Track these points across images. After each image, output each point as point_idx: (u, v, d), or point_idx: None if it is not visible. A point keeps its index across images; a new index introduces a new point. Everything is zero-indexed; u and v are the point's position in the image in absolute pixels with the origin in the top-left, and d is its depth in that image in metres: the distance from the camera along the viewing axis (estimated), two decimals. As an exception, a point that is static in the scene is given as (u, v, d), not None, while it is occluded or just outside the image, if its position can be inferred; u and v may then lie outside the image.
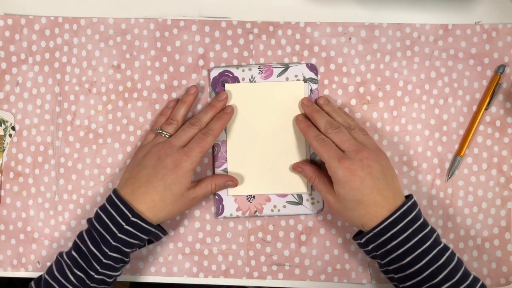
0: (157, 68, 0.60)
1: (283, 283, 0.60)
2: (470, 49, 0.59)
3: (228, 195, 0.59)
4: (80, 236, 0.53)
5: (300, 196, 0.59)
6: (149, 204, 0.52)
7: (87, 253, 0.51)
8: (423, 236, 0.49)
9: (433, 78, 0.59)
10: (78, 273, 0.51)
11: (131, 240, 0.52)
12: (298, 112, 0.58)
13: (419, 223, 0.50)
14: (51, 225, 0.61)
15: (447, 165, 0.59)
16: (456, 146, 0.59)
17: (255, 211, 0.59)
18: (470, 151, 0.59)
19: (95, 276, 0.51)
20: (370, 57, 0.59)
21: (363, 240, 0.51)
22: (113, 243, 0.51)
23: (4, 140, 0.61)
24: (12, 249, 0.61)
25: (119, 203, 0.52)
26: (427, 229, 0.50)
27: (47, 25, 0.61)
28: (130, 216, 0.51)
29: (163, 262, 0.60)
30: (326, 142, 0.53)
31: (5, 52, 0.61)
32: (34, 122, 0.61)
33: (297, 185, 0.58)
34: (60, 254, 0.54)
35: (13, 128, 0.61)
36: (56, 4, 0.61)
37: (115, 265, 0.52)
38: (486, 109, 0.59)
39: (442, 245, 0.50)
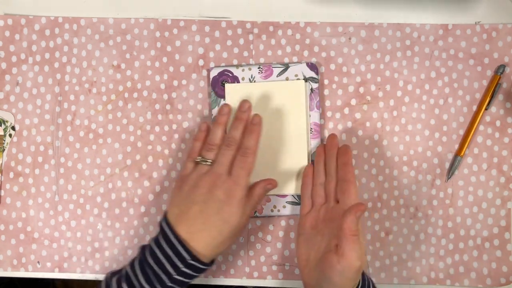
0: (157, 68, 0.60)
1: (283, 283, 0.60)
2: (470, 49, 0.59)
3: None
4: (132, 268, 0.50)
5: (300, 196, 0.59)
6: (207, 241, 0.50)
7: None
8: None
9: (433, 78, 0.59)
10: None
11: (187, 281, 0.50)
12: (298, 112, 0.58)
13: None
14: (51, 225, 0.61)
15: (447, 165, 0.59)
16: (456, 146, 0.59)
17: (255, 212, 0.59)
18: (470, 151, 0.59)
19: None
20: (370, 57, 0.59)
21: None
22: (169, 283, 0.49)
23: (4, 140, 0.61)
24: (12, 249, 0.61)
25: (176, 244, 0.49)
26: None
27: (47, 25, 0.61)
28: (189, 258, 0.49)
29: (163, 262, 0.60)
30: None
31: (5, 52, 0.61)
32: (34, 122, 0.61)
33: (298, 185, 0.58)
34: (108, 279, 0.50)
35: (13, 128, 0.61)
36: (56, 4, 0.61)
37: None
38: (486, 109, 0.59)
39: None
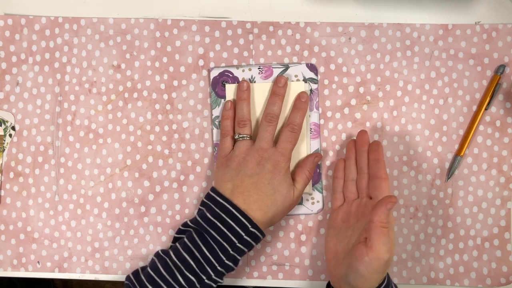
0: (157, 68, 0.60)
1: (283, 283, 0.60)
2: (470, 49, 0.59)
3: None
4: (191, 239, 0.52)
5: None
6: (263, 209, 0.53)
7: (201, 259, 0.51)
8: None
9: (433, 78, 0.59)
10: (190, 276, 0.51)
11: (246, 250, 0.52)
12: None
13: None
14: (51, 225, 0.61)
15: (447, 165, 0.59)
16: (456, 146, 0.59)
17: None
18: (470, 151, 0.59)
19: (206, 281, 0.51)
20: (370, 57, 0.59)
21: None
22: (231, 252, 0.51)
23: (4, 140, 0.61)
24: (12, 249, 0.61)
25: (237, 214, 0.52)
26: None
27: (47, 25, 0.61)
28: (250, 226, 0.51)
29: (163, 262, 0.60)
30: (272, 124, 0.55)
31: (5, 52, 0.61)
32: (34, 122, 0.61)
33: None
34: (165, 252, 0.53)
35: (13, 128, 0.61)
36: (56, 4, 0.61)
37: (226, 272, 0.52)
38: (486, 109, 0.59)
39: None
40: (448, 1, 0.60)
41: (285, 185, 0.54)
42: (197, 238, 0.52)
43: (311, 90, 0.59)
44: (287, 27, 0.60)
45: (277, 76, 0.58)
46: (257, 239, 0.53)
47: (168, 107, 0.60)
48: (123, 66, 0.60)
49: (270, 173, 0.53)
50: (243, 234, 0.51)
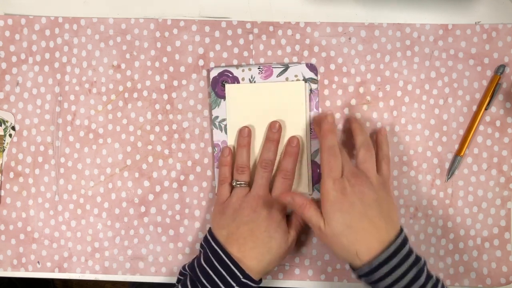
0: (157, 68, 0.60)
1: (283, 283, 0.60)
2: (470, 49, 0.59)
3: None
4: (184, 285, 0.52)
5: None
6: (258, 258, 0.52)
7: None
8: (418, 271, 0.48)
9: (433, 78, 0.59)
10: None
11: None
12: (298, 112, 0.58)
13: (412, 256, 0.49)
14: (51, 225, 0.61)
15: (447, 165, 0.59)
16: (456, 146, 0.59)
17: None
18: (470, 151, 0.59)
19: None
20: (370, 57, 0.59)
21: (358, 274, 0.49)
22: None
23: (4, 140, 0.61)
24: (12, 249, 0.61)
25: (229, 263, 0.51)
26: (420, 263, 0.49)
27: (47, 25, 0.61)
28: (241, 277, 0.51)
29: (163, 262, 0.60)
30: (336, 159, 0.52)
31: (5, 52, 0.61)
32: (34, 122, 0.61)
33: (297, 185, 0.58)
34: None
35: (13, 128, 0.61)
36: (56, 4, 0.61)
37: None
38: (486, 109, 0.59)
39: (434, 278, 0.49)
40: (448, 1, 0.60)
41: (281, 232, 0.53)
42: (188, 284, 0.52)
43: (311, 90, 0.59)
44: (287, 27, 0.60)
45: (271, 122, 0.57)
46: None
47: (168, 107, 0.60)
48: (123, 66, 0.60)
49: (266, 220, 0.53)
50: (234, 284, 0.50)
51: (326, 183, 0.51)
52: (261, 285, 0.59)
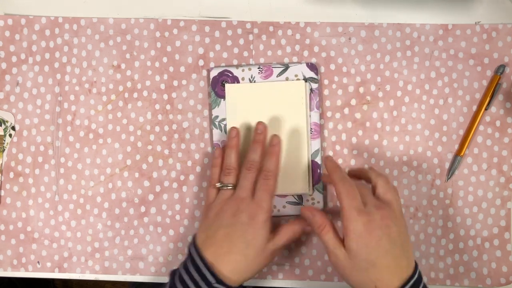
0: (157, 68, 0.60)
1: (283, 283, 0.60)
2: (470, 49, 0.59)
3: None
4: None
5: (300, 197, 0.59)
6: (233, 264, 0.50)
7: None
8: None
9: (433, 78, 0.59)
10: None
11: None
12: (298, 112, 0.58)
13: None
14: (51, 225, 0.61)
15: (447, 165, 0.59)
16: (456, 146, 0.59)
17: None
18: (470, 151, 0.59)
19: None
20: (370, 57, 0.59)
21: None
22: None
23: (4, 140, 0.61)
24: (12, 249, 0.61)
25: (202, 267, 0.49)
26: None
27: (47, 25, 0.61)
28: (214, 282, 0.49)
29: (163, 262, 0.60)
30: (352, 188, 0.49)
31: (5, 52, 0.61)
32: (34, 122, 0.61)
33: (298, 185, 0.58)
34: None
35: (13, 128, 0.61)
36: (56, 4, 0.61)
37: None
38: (486, 109, 0.59)
39: None
40: (448, 1, 0.60)
41: (260, 239, 0.51)
42: None
43: (311, 89, 0.59)
44: (287, 27, 0.60)
45: (257, 123, 0.57)
46: None
47: (168, 107, 0.60)
48: (123, 66, 0.60)
49: (244, 225, 0.50)
50: None
51: (350, 215, 0.47)
52: (261, 285, 0.59)
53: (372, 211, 0.48)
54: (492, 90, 0.58)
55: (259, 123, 0.57)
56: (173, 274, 0.52)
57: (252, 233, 0.51)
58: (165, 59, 0.60)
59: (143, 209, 0.60)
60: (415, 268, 0.48)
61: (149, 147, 0.60)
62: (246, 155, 0.55)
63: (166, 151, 0.60)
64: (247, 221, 0.51)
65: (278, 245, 0.52)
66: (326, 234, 0.50)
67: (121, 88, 0.60)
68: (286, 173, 0.58)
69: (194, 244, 0.52)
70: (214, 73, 0.59)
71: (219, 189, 0.55)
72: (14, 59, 0.61)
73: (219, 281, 0.49)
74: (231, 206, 0.52)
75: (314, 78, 0.59)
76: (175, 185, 0.60)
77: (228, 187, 0.54)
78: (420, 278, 0.48)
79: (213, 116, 0.59)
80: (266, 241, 0.51)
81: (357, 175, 0.56)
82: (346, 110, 0.59)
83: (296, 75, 0.59)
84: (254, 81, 0.59)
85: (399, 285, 0.46)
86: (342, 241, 0.49)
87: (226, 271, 0.50)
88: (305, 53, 0.59)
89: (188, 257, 0.52)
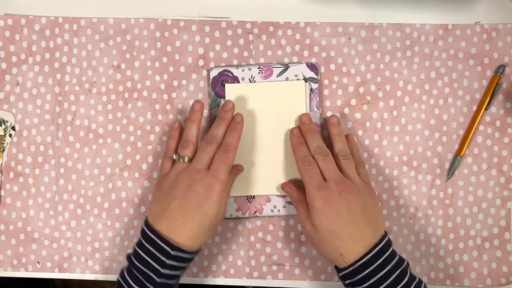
0: (157, 68, 0.60)
1: (283, 283, 0.60)
2: (470, 49, 0.59)
3: (230, 196, 0.58)
4: (122, 276, 0.51)
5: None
6: (188, 234, 0.50)
7: None
8: (401, 272, 0.49)
9: (433, 78, 0.59)
10: None
11: (175, 272, 0.51)
12: (298, 112, 0.58)
13: (396, 259, 0.49)
14: (51, 225, 0.61)
15: (447, 165, 0.59)
16: (456, 146, 0.59)
17: (255, 212, 0.59)
18: (470, 151, 0.59)
19: None
20: (370, 57, 0.59)
21: (341, 274, 0.50)
22: (158, 280, 0.50)
23: (4, 140, 0.61)
24: (12, 249, 0.61)
25: (156, 239, 0.50)
26: (404, 264, 0.50)
27: (47, 25, 0.61)
28: (171, 250, 0.49)
29: (163, 262, 0.60)
30: (312, 166, 0.53)
31: (5, 52, 0.61)
32: (34, 122, 0.61)
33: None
34: None
35: (13, 128, 0.61)
36: (56, 4, 0.61)
37: None
38: (486, 109, 0.59)
39: (417, 279, 0.50)
40: (448, 1, 0.60)
41: (216, 209, 0.51)
42: (126, 274, 0.51)
43: (311, 89, 0.59)
44: (287, 27, 0.60)
45: (225, 101, 0.57)
46: (186, 261, 0.51)
47: (168, 107, 0.60)
48: (123, 66, 0.60)
49: (199, 197, 0.51)
50: (165, 259, 0.49)
51: (311, 191, 0.51)
52: (261, 285, 0.59)
53: (331, 186, 0.51)
54: (492, 90, 0.58)
55: (228, 101, 0.57)
56: (129, 255, 0.52)
57: (208, 204, 0.51)
58: (165, 59, 0.60)
59: (143, 209, 0.60)
60: (383, 237, 0.50)
61: (149, 147, 0.60)
62: (210, 128, 0.55)
63: (166, 151, 0.60)
64: (203, 192, 0.51)
65: (224, 207, 0.53)
66: (300, 208, 0.54)
67: (121, 88, 0.60)
68: (286, 173, 0.58)
69: (146, 220, 0.52)
70: (214, 73, 0.59)
71: (174, 161, 0.55)
72: (14, 59, 0.61)
73: (176, 249, 0.50)
74: (186, 177, 0.52)
75: (314, 78, 0.59)
76: (175, 185, 0.60)
77: (184, 160, 0.54)
78: (387, 245, 0.50)
79: (213, 116, 0.59)
80: (221, 211, 0.52)
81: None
82: (346, 110, 0.59)
83: (296, 75, 0.59)
84: (254, 81, 0.59)
85: (363, 252, 0.49)
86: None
87: (181, 240, 0.50)
88: (305, 53, 0.59)
89: (141, 233, 0.52)
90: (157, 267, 0.49)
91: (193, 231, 0.51)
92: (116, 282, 0.52)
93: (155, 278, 0.50)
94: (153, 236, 0.50)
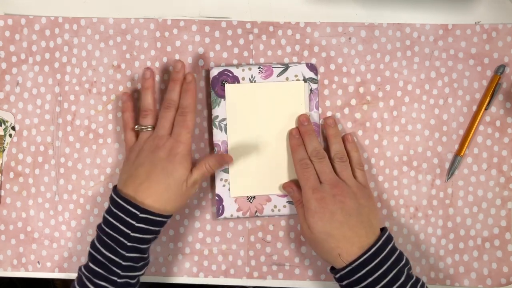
0: (157, 68, 0.60)
1: (283, 283, 0.60)
2: (470, 49, 0.59)
3: (230, 197, 0.58)
4: (92, 245, 0.53)
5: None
6: (155, 196, 0.52)
7: (104, 261, 0.51)
8: (398, 271, 0.49)
9: (433, 78, 0.59)
10: (100, 282, 0.50)
11: (146, 236, 0.52)
12: (298, 113, 0.58)
13: (393, 257, 0.50)
14: (51, 225, 0.61)
15: (447, 165, 0.59)
16: (456, 146, 0.59)
17: (256, 211, 0.59)
18: (470, 151, 0.59)
19: (118, 280, 0.51)
20: (370, 57, 0.59)
21: (338, 275, 0.51)
22: (129, 243, 0.51)
23: (4, 140, 0.61)
24: (12, 249, 0.61)
25: (124, 204, 0.51)
26: (401, 264, 0.50)
27: (47, 25, 0.61)
28: (139, 213, 0.51)
29: (163, 262, 0.60)
30: (309, 169, 0.54)
31: (5, 52, 0.61)
32: (34, 122, 0.61)
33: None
34: (80, 268, 0.53)
35: (13, 128, 0.61)
36: (56, 4, 0.61)
37: (135, 265, 0.52)
38: (486, 109, 0.59)
39: (414, 278, 0.50)
40: (448, 1, 0.60)
41: (181, 171, 0.53)
42: (96, 243, 0.52)
43: (311, 90, 0.59)
44: (287, 27, 0.60)
45: (175, 61, 0.58)
46: (156, 224, 0.52)
47: (168, 107, 0.60)
48: (123, 66, 0.60)
49: (163, 161, 0.52)
50: (134, 222, 0.50)
51: (306, 193, 0.53)
52: (261, 284, 0.59)
53: (326, 189, 0.53)
54: (492, 90, 0.58)
55: (177, 61, 0.57)
56: (99, 224, 0.53)
57: (172, 166, 0.53)
58: (165, 59, 0.60)
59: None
60: (380, 236, 0.51)
61: (149, 147, 0.60)
62: (166, 94, 0.56)
63: (166, 151, 0.60)
64: (166, 157, 0.53)
65: (195, 179, 0.54)
66: (299, 209, 0.55)
67: (121, 88, 0.60)
68: (286, 173, 0.58)
69: (114, 187, 0.54)
70: (214, 72, 0.59)
71: (137, 132, 0.56)
72: (14, 59, 0.61)
73: (144, 211, 0.51)
74: (150, 144, 0.54)
75: (314, 79, 0.59)
76: (175, 185, 0.60)
77: (148, 129, 0.56)
78: (385, 244, 0.50)
79: (213, 116, 0.59)
80: (186, 173, 0.53)
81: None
82: (346, 110, 0.59)
83: (296, 75, 0.59)
84: (254, 81, 0.59)
85: (359, 252, 0.50)
86: None
87: (148, 202, 0.52)
88: (305, 53, 0.59)
89: (110, 200, 0.53)
90: (127, 231, 0.50)
91: (160, 194, 0.52)
92: (88, 254, 0.52)
93: (126, 242, 0.50)
94: (120, 201, 0.51)
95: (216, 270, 0.60)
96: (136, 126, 0.56)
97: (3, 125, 0.61)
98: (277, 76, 0.59)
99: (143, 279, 0.60)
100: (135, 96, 0.60)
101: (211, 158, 0.55)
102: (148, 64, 0.60)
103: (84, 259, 0.60)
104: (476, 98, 0.59)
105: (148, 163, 0.53)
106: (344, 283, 0.51)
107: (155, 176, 0.52)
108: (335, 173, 0.55)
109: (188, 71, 0.60)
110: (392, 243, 0.51)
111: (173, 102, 0.56)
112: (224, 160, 0.56)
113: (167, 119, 0.55)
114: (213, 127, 0.59)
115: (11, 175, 0.61)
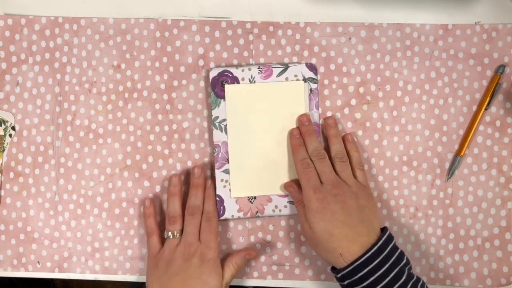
0: (157, 68, 0.60)
1: (283, 283, 0.60)
2: (470, 49, 0.59)
3: (231, 197, 0.58)
4: None
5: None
6: None
7: None
8: (399, 271, 0.50)
9: (433, 78, 0.59)
10: None
11: None
12: (298, 113, 0.58)
13: (394, 257, 0.50)
14: (51, 225, 0.61)
15: (447, 165, 0.59)
16: (456, 146, 0.59)
17: (257, 212, 0.59)
18: (470, 151, 0.59)
19: None
20: (370, 57, 0.59)
21: (339, 275, 0.51)
22: None
23: (4, 140, 0.61)
24: (12, 249, 0.61)
25: None
26: (402, 263, 0.50)
27: (47, 25, 0.61)
28: None
29: (163, 262, 0.60)
30: (310, 169, 0.54)
31: (5, 52, 0.61)
32: (34, 122, 0.61)
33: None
34: None
35: (13, 128, 0.61)
36: (56, 4, 0.61)
37: None
38: (486, 109, 0.59)
39: (414, 278, 0.50)
40: (448, 1, 0.60)
41: (214, 276, 0.54)
42: None
43: (310, 89, 0.59)
44: (287, 27, 0.60)
45: (192, 167, 0.58)
46: None
47: (168, 107, 0.60)
48: (123, 66, 0.60)
49: (197, 268, 0.53)
50: None
51: (307, 193, 0.53)
52: (261, 284, 0.59)
53: (327, 189, 0.53)
54: (492, 90, 0.58)
55: (196, 167, 0.58)
56: None
57: (207, 272, 0.54)
58: (165, 59, 0.60)
59: (143, 209, 0.60)
60: (381, 236, 0.51)
61: (149, 147, 0.60)
62: (188, 200, 0.57)
63: (166, 151, 0.60)
64: (200, 263, 0.54)
65: (227, 280, 0.55)
66: (301, 209, 0.55)
67: (121, 88, 0.60)
68: (287, 173, 0.58)
69: None
70: (214, 73, 0.59)
71: (161, 237, 0.57)
72: (14, 59, 0.61)
73: None
74: (181, 252, 0.55)
75: (314, 79, 0.59)
76: (175, 185, 0.60)
77: (176, 236, 0.56)
78: (386, 243, 0.51)
79: (213, 117, 0.59)
80: (220, 279, 0.55)
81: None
82: (346, 110, 0.59)
83: (295, 75, 0.59)
84: (254, 81, 0.59)
85: (360, 252, 0.50)
86: None
87: None
88: (305, 53, 0.59)
89: None
90: None
91: None
92: None
93: None
94: None
95: (216, 270, 0.60)
96: (165, 233, 0.56)
97: (3, 125, 0.61)
98: (276, 76, 0.59)
99: (143, 279, 0.60)
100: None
101: (237, 257, 0.56)
102: (148, 64, 0.60)
103: (84, 259, 0.60)
104: (476, 98, 0.59)
105: (182, 272, 0.53)
106: (345, 282, 0.51)
107: (192, 285, 0.53)
108: (335, 173, 0.55)
109: (193, 72, 0.60)
110: (393, 242, 0.52)
111: (198, 209, 0.56)
112: (250, 255, 0.57)
113: (195, 226, 0.56)
114: (213, 127, 0.59)
115: (11, 175, 0.61)
